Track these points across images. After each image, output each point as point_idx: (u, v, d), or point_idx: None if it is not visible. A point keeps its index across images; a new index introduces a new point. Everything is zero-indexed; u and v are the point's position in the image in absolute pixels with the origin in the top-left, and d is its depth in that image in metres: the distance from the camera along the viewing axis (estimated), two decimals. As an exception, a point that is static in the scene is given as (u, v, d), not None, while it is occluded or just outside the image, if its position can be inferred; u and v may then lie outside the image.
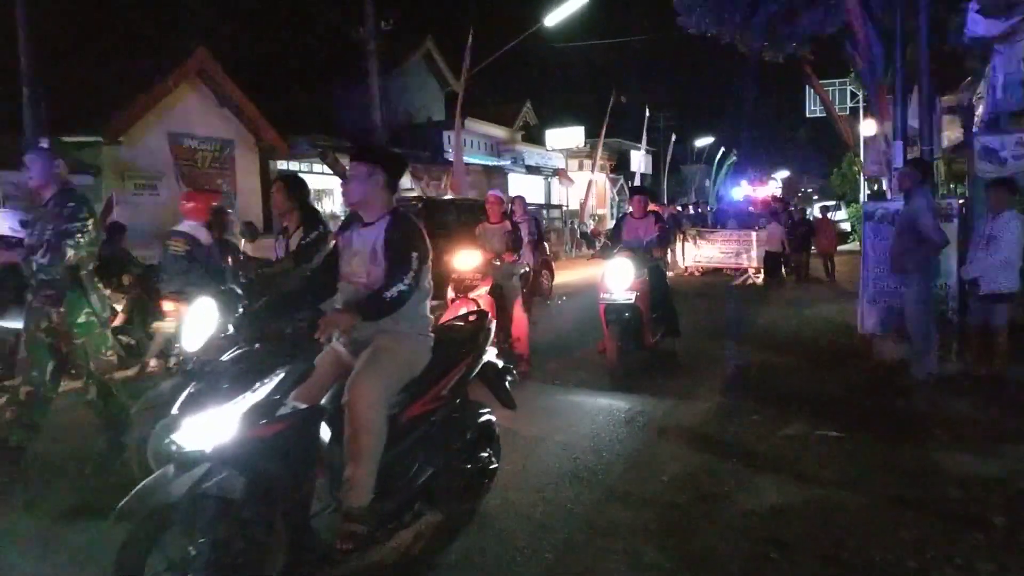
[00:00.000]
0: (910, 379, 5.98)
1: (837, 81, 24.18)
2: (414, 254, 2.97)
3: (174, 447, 2.47)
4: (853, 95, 23.68)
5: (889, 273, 6.82)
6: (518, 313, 6.83)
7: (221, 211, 6.59)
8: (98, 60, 13.41)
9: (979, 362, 6.01)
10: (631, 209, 7.30)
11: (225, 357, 2.77)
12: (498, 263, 6.74)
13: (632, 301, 6.35)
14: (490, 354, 3.59)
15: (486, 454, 3.50)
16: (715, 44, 13.30)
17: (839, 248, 16.64)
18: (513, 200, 9.25)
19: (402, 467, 3.06)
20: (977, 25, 8.67)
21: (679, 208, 19.90)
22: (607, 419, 5.32)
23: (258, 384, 2.58)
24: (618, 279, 6.39)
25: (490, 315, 4.54)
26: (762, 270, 15.20)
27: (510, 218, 7.47)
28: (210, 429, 2.44)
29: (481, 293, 6.49)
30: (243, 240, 7.25)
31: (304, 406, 2.73)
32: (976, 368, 6.02)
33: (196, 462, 2.43)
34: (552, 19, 16.25)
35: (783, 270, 15.37)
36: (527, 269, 7.81)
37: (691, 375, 6.67)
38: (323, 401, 2.93)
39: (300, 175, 5.05)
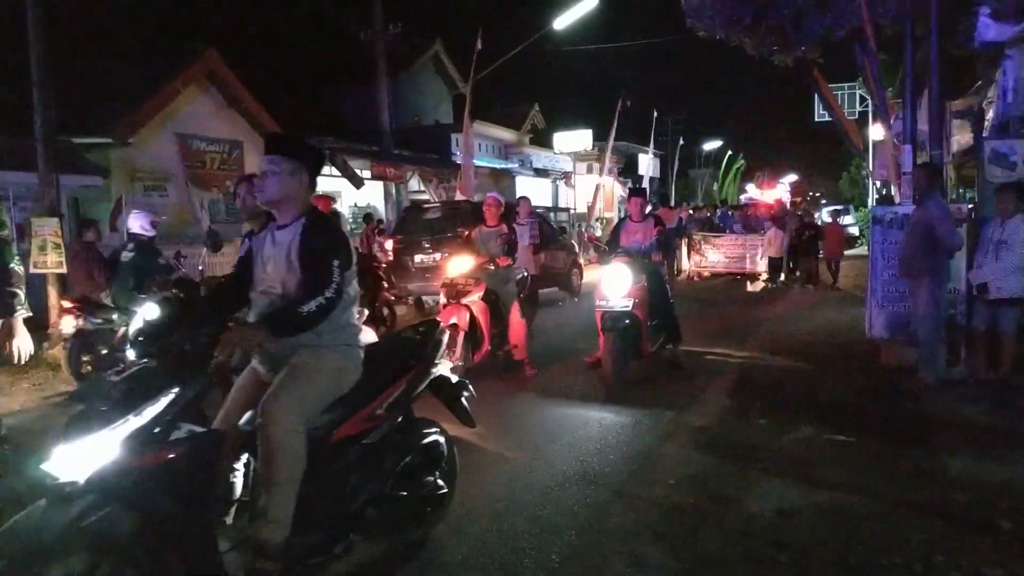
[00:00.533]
0: (918, 383, 5.95)
1: (846, 85, 24.16)
2: (335, 261, 2.66)
3: (47, 478, 2.12)
4: (862, 99, 23.64)
5: (898, 277, 6.79)
6: (515, 319, 6.66)
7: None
8: (108, 62, 13.51)
9: (987, 367, 5.98)
10: (630, 212, 7.07)
11: (115, 376, 2.47)
12: (492, 268, 6.61)
13: (629, 308, 6.09)
14: (442, 367, 3.29)
15: (432, 478, 3.17)
16: (724, 48, 13.28)
17: (848, 252, 16.47)
18: (518, 202, 9.13)
19: (329, 495, 2.74)
20: (988, 29, 8.65)
21: (691, 211, 19.63)
22: (612, 423, 5.31)
23: (146, 406, 2.28)
24: (615, 285, 6.16)
25: (444, 326, 4.15)
26: (764, 275, 15.10)
27: (508, 222, 7.32)
28: (86, 457, 2.12)
29: (474, 299, 6.39)
30: (204, 250, 7.05)
31: (201, 430, 2.45)
32: (984, 373, 5.99)
33: (71, 495, 2.10)
34: (561, 22, 16.27)
35: (782, 275, 15.04)
36: (524, 274, 7.71)
37: (694, 381, 6.54)
38: (241, 422, 2.69)
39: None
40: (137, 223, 7.00)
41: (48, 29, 9.10)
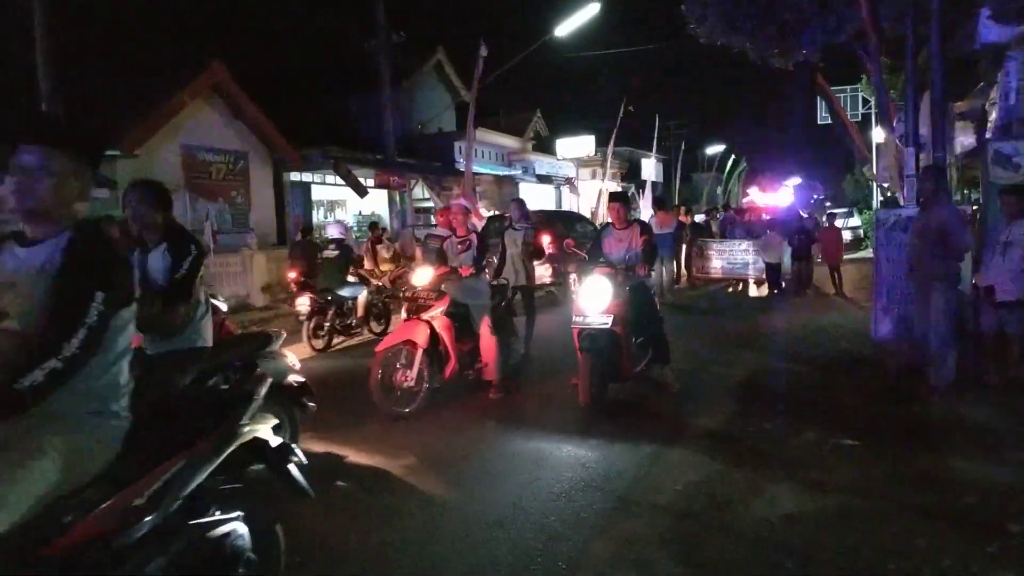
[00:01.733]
0: (924, 386, 5.93)
1: (848, 88, 24.16)
2: (97, 296, 1.92)
3: None
4: (865, 102, 23.63)
5: (903, 280, 6.77)
6: (485, 335, 6.12)
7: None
8: (115, 75, 13.62)
9: (995, 370, 5.96)
10: (610, 219, 6.35)
11: None
12: (455, 280, 6.14)
13: (608, 326, 5.47)
14: (263, 429, 2.53)
15: None
16: (726, 53, 13.31)
17: (852, 256, 15.99)
18: (510, 205, 8.56)
19: None
20: (990, 31, 8.65)
21: (703, 216, 19.18)
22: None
23: None
24: (593, 300, 5.57)
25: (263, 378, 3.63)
26: (763, 282, 14.47)
27: (477, 231, 6.77)
28: None
29: (436, 314, 5.91)
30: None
31: None
32: (991, 376, 5.97)
33: None
34: (563, 30, 16.34)
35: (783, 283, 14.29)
36: (505, 282, 7.25)
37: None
38: None
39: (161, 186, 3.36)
40: (336, 231, 9.45)
41: (55, 42, 9.20)
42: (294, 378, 4.38)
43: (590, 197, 27.99)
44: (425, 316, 5.85)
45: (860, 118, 23.41)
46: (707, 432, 5.18)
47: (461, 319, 6.15)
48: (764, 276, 14.37)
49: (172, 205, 3.65)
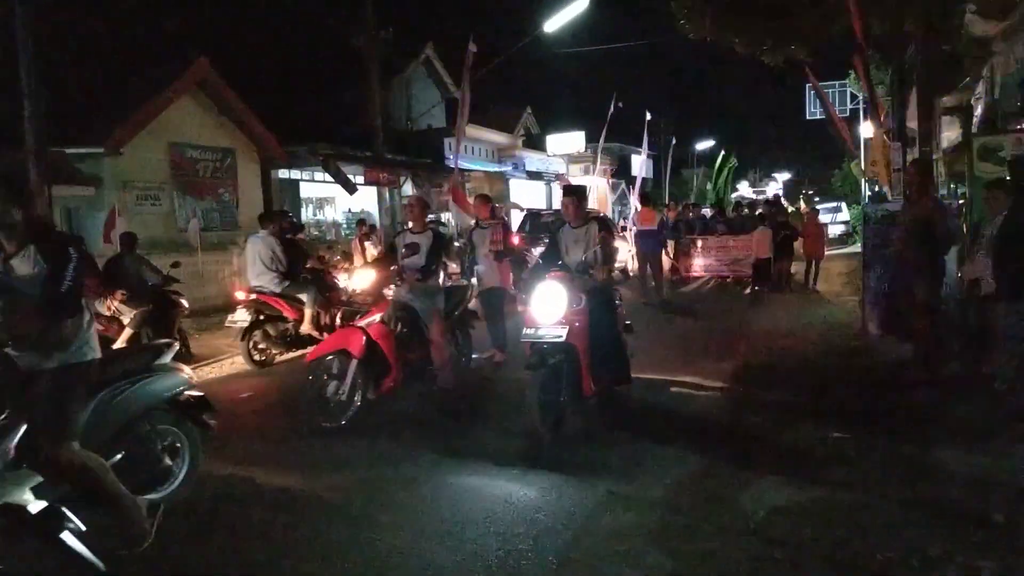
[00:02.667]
0: (912, 379, 5.97)
1: (837, 83, 24.23)
2: None
3: None
4: (853, 97, 23.72)
5: (891, 274, 6.82)
6: (437, 340, 5.69)
7: None
8: (99, 72, 13.49)
9: (979, 362, 6.01)
10: (566, 216, 5.58)
11: None
12: (401, 282, 5.69)
13: (563, 339, 4.72)
14: (16, 492, 2.20)
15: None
16: (715, 48, 13.32)
17: (840, 251, 15.74)
18: (474, 200, 8.01)
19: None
20: (975, 26, 8.72)
21: (686, 208, 18.81)
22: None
23: None
24: (546, 309, 4.84)
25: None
26: (747, 277, 14.06)
27: (434, 228, 6.31)
28: None
29: (373, 320, 5.41)
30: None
31: None
32: (976, 368, 6.01)
33: None
34: (552, 25, 16.29)
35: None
36: (464, 283, 6.87)
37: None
38: None
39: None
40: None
41: (38, 40, 9.09)
42: (191, 393, 3.91)
43: (580, 193, 27.98)
44: (360, 323, 5.41)
45: (848, 113, 23.49)
46: (696, 425, 5.20)
47: (412, 323, 5.70)
48: (752, 272, 13.88)
49: (32, 200, 3.40)
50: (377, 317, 5.46)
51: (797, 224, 14.53)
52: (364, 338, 5.28)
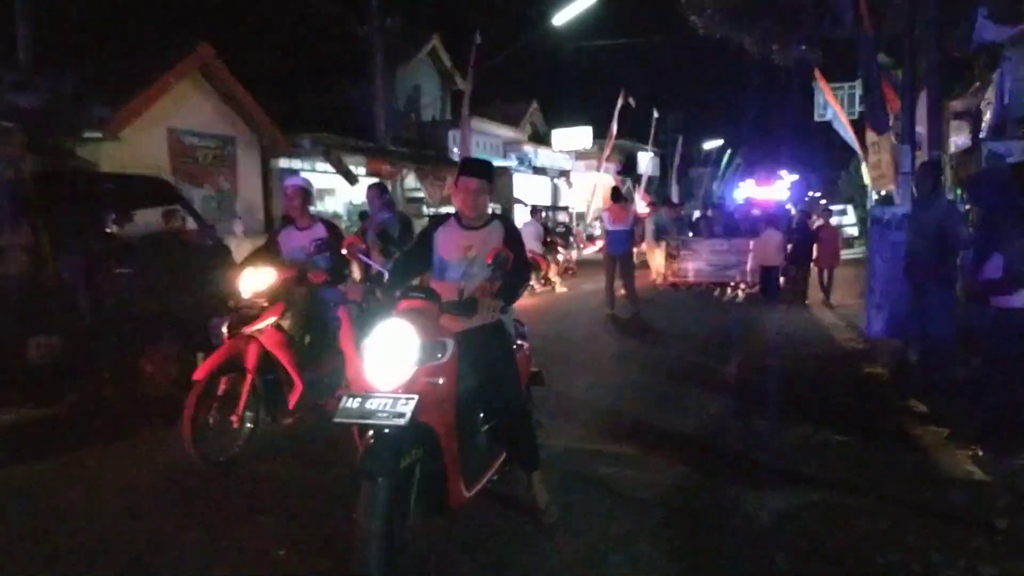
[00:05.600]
0: (917, 383, 5.88)
1: (846, 85, 23.97)
2: None
3: None
4: (862, 99, 23.47)
5: (899, 278, 6.66)
6: (349, 352, 4.15)
7: None
8: (100, 56, 13.39)
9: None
10: (458, 208, 3.61)
11: None
12: (302, 288, 4.84)
13: (408, 417, 2.71)
14: None
15: None
16: (725, 46, 13.18)
17: (845, 255, 14.14)
18: (368, 192, 7.06)
19: None
20: (986, 31, 8.55)
21: (659, 205, 17.67)
22: (609, 423, 5.20)
23: None
24: (384, 365, 2.89)
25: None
26: (754, 285, 12.77)
27: (327, 220, 5.41)
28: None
29: (266, 326, 4.56)
30: None
31: None
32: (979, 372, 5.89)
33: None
34: (560, 19, 16.14)
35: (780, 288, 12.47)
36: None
37: (677, 393, 5.39)
38: None
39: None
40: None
41: (39, 23, 9.00)
42: None
43: (585, 190, 27.87)
44: (249, 330, 4.48)
45: (857, 115, 23.27)
46: (698, 429, 5.16)
47: (316, 332, 4.91)
48: (752, 280, 12.70)
49: None
50: (270, 320, 4.56)
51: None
52: (258, 348, 4.46)
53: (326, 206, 19.97)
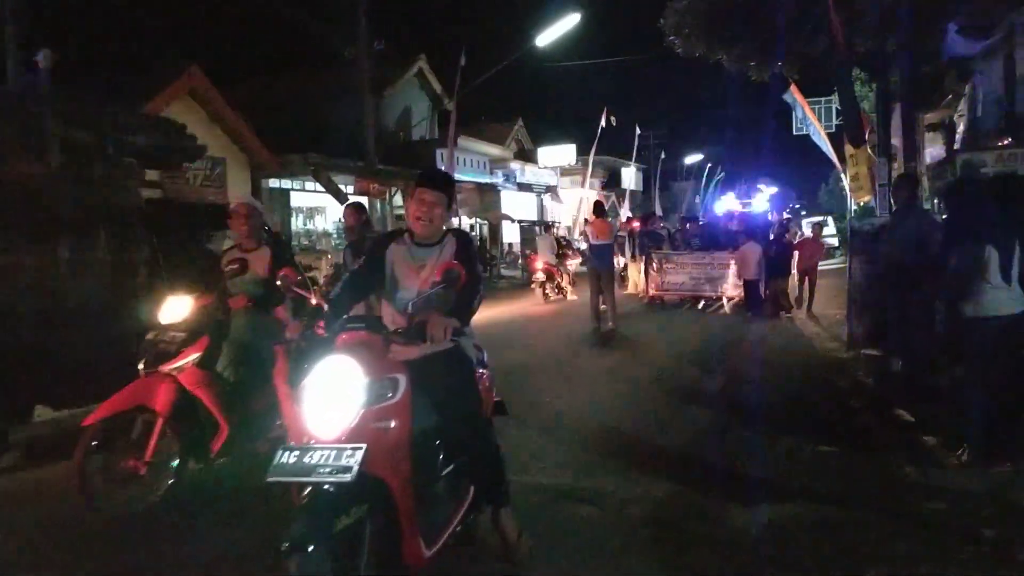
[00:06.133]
0: (902, 393, 5.98)
1: (823, 99, 24.53)
2: None
3: None
4: (839, 113, 24.01)
5: (879, 288, 6.83)
6: (283, 392, 4.18)
7: None
8: (90, 78, 13.48)
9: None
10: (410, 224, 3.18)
11: None
12: (221, 315, 4.36)
13: (355, 470, 2.29)
14: None
15: None
16: (703, 63, 13.52)
17: (824, 267, 14.14)
18: (344, 211, 6.78)
19: None
20: (957, 45, 8.89)
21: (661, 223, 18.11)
22: (599, 437, 5.30)
23: None
24: (327, 412, 2.49)
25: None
26: (733, 299, 12.82)
27: (272, 241, 4.93)
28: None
29: (186, 364, 4.04)
30: None
31: None
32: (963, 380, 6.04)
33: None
34: (544, 39, 16.46)
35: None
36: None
37: (665, 405, 5.64)
38: None
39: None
40: None
41: (29, 47, 9.09)
42: None
43: (572, 205, 28.18)
44: (166, 368, 4.00)
45: (834, 129, 23.78)
46: (686, 441, 5.15)
47: (254, 366, 4.37)
48: (735, 294, 12.74)
49: None
50: (191, 358, 4.06)
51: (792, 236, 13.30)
52: (174, 388, 3.96)
53: (316, 224, 20.08)
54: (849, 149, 9.82)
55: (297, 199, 18.76)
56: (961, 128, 10.10)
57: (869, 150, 10.00)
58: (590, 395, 6.60)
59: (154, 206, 7.28)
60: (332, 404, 2.48)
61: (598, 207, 11.40)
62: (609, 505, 3.92)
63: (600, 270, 10.59)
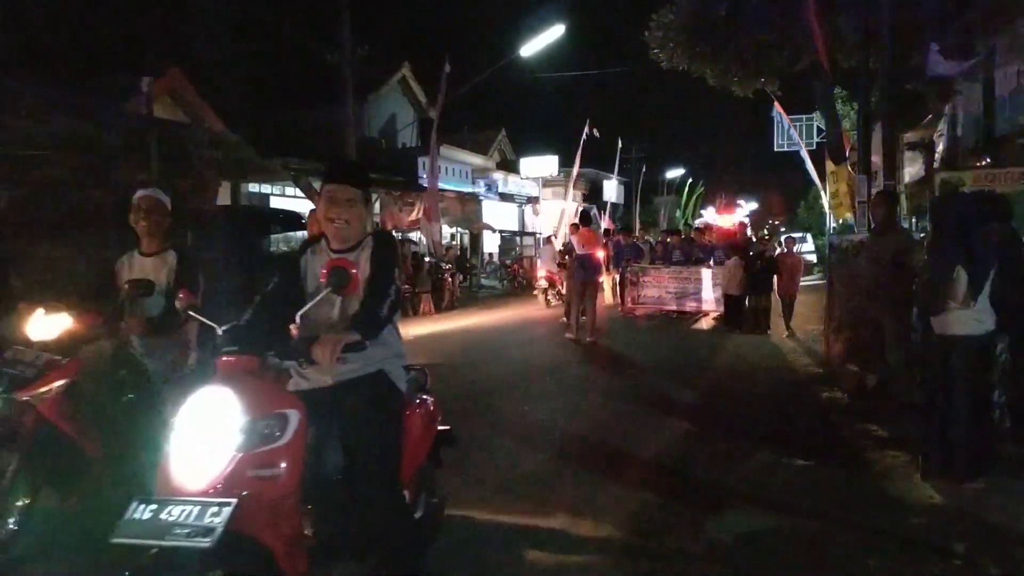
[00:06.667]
0: (878, 407, 6.02)
1: (804, 117, 24.88)
2: None
3: None
4: (820, 130, 24.34)
5: (856, 303, 6.88)
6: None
7: None
8: (68, 79, 13.22)
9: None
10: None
11: None
12: (106, 339, 3.71)
13: (214, 537, 1.86)
14: None
15: None
16: (687, 78, 13.62)
17: (804, 282, 13.57)
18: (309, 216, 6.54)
19: None
20: (938, 65, 9.02)
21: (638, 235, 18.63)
22: (571, 447, 5.24)
23: None
24: (194, 457, 2.11)
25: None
26: (712, 314, 12.92)
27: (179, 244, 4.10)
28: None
29: (51, 390, 3.33)
30: None
31: None
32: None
33: None
34: (528, 50, 16.49)
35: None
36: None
37: (639, 417, 5.78)
38: None
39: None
40: None
41: (6, 46, 8.88)
42: None
43: (552, 216, 28.19)
44: (24, 396, 3.27)
45: (815, 146, 24.11)
46: (659, 454, 5.14)
47: (143, 392, 3.63)
48: (712, 308, 12.82)
49: None
50: (57, 384, 3.35)
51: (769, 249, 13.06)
52: (32, 420, 3.29)
53: (295, 231, 19.83)
54: (830, 166, 9.92)
55: (276, 204, 18.54)
56: (940, 147, 10.26)
57: (849, 167, 10.10)
58: (566, 405, 6.57)
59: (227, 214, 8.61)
60: (202, 447, 2.05)
61: (585, 216, 11.11)
62: (579, 516, 3.89)
63: (586, 281, 10.36)
